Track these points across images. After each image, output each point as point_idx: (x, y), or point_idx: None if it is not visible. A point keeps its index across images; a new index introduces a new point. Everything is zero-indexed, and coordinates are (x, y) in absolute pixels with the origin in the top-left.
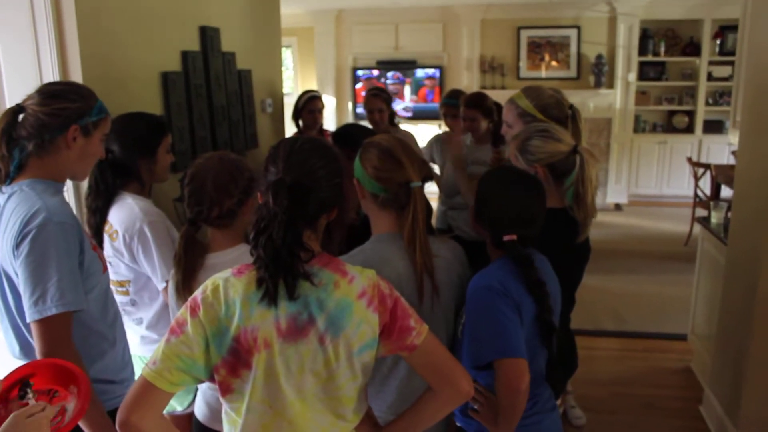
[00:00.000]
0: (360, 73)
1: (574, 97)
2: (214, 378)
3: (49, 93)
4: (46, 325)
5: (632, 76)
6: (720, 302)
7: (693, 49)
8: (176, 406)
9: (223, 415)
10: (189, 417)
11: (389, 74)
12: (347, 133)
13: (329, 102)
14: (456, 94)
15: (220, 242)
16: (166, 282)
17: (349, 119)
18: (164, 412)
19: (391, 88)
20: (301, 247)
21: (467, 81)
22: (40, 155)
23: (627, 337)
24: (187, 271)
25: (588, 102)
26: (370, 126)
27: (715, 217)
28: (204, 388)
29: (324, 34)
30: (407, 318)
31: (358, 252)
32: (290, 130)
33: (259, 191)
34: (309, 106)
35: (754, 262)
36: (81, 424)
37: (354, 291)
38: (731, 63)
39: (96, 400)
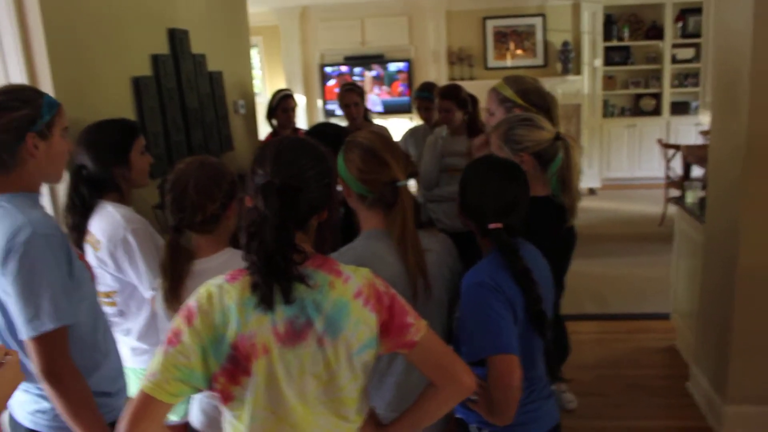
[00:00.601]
0: (328, 69)
1: (543, 84)
2: (213, 387)
3: None
4: (42, 341)
5: (598, 61)
6: (700, 280)
7: (656, 32)
8: (171, 416)
9: (226, 424)
10: (184, 426)
11: (356, 69)
12: (321, 132)
13: (299, 101)
14: (428, 86)
15: (205, 248)
16: (154, 290)
17: (320, 117)
18: None
19: (360, 83)
20: (293, 249)
21: (435, 73)
22: (6, 172)
23: (610, 320)
24: (175, 279)
25: (556, 89)
26: (344, 122)
27: (690, 197)
28: (199, 396)
29: (289, 32)
30: (405, 315)
31: (348, 249)
32: (264, 130)
33: (248, 194)
34: (283, 104)
35: (732, 238)
36: (72, 425)
37: (350, 291)
38: (694, 45)
39: (92, 404)
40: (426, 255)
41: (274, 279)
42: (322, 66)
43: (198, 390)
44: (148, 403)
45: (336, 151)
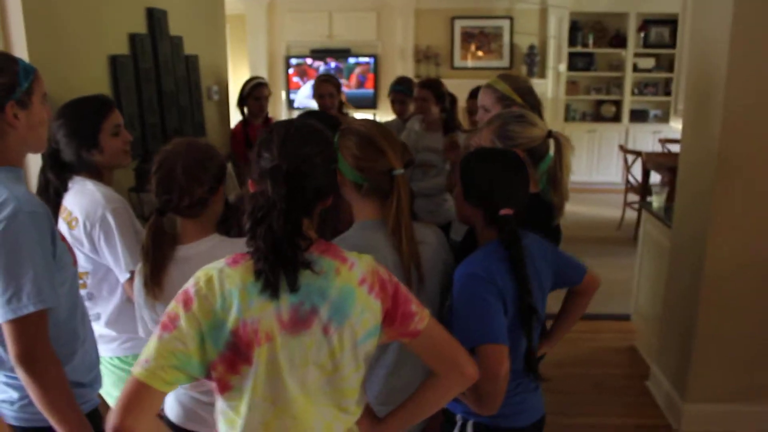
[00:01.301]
0: (294, 61)
1: None
2: (210, 375)
3: None
4: (21, 324)
5: (563, 66)
6: (665, 283)
7: (619, 41)
8: None
9: (219, 415)
10: None
11: (316, 63)
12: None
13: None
14: (404, 80)
15: (190, 233)
16: (130, 273)
17: (284, 108)
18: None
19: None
20: (300, 236)
21: (401, 70)
22: None
23: None
24: (156, 264)
25: None
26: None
27: (656, 201)
28: (177, 390)
29: (256, 22)
30: (409, 303)
31: (341, 240)
32: (235, 118)
33: (251, 179)
34: (255, 93)
35: (699, 244)
36: (48, 415)
37: (355, 277)
38: (654, 55)
39: (69, 393)
40: (421, 247)
41: (281, 266)
42: (288, 57)
43: (194, 379)
44: (141, 391)
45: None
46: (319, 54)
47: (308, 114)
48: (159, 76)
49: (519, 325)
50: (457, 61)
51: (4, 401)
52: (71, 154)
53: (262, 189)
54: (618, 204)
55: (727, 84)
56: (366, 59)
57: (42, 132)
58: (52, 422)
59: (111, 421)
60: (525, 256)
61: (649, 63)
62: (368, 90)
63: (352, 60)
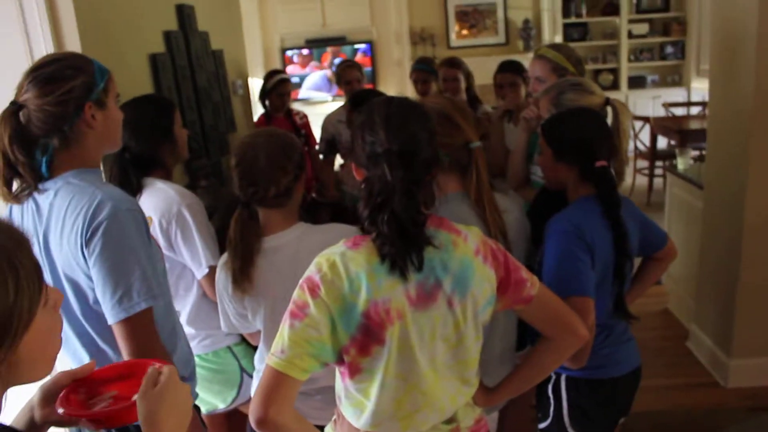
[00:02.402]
0: (290, 53)
1: None
2: (342, 360)
3: (44, 79)
4: (133, 323)
5: (558, 38)
6: (700, 242)
7: (612, 8)
8: (218, 403)
9: (344, 400)
10: (227, 415)
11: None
12: (367, 96)
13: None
14: (426, 60)
15: (275, 223)
16: (209, 268)
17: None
18: (204, 411)
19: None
20: (421, 215)
21: (398, 54)
22: (68, 147)
23: None
24: (246, 257)
25: None
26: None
27: (682, 163)
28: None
29: (248, 16)
30: (519, 270)
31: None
32: (257, 111)
33: (355, 164)
34: (279, 89)
35: (737, 199)
36: None
37: (471, 248)
38: (648, 20)
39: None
40: (505, 216)
41: (408, 248)
42: (284, 50)
43: (325, 365)
44: (281, 381)
45: None
46: (314, 44)
47: (365, 92)
48: (193, 73)
49: (606, 280)
50: (454, 41)
51: None
52: (147, 150)
53: (376, 173)
54: (629, 171)
55: (759, 39)
56: (362, 46)
57: (117, 132)
58: None
59: (255, 413)
60: (620, 207)
61: (643, 29)
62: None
63: (347, 49)
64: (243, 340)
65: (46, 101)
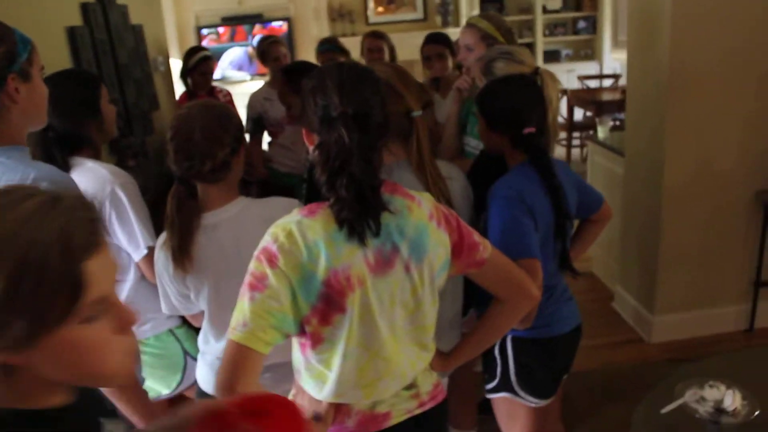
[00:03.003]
0: (205, 32)
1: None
2: (303, 331)
3: None
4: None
5: (475, 13)
6: (621, 207)
7: None
8: (162, 389)
9: (304, 372)
10: (170, 401)
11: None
12: (302, 69)
13: (176, 65)
14: (329, 40)
15: (214, 199)
16: (148, 249)
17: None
18: (151, 397)
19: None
20: (377, 179)
21: (317, 31)
22: None
23: None
24: (184, 235)
25: None
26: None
27: (602, 132)
28: (211, 358)
29: None
30: (471, 235)
31: None
32: (178, 89)
33: (306, 127)
34: (201, 67)
35: (657, 164)
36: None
37: (425, 213)
38: None
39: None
40: (449, 183)
41: (366, 212)
42: (199, 28)
43: (286, 337)
44: (246, 355)
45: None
46: (230, 21)
47: (301, 63)
48: (114, 48)
49: (548, 241)
50: (372, 17)
51: None
52: (72, 127)
53: (332, 137)
54: None
55: (674, 11)
56: (279, 23)
57: (43, 106)
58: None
59: (221, 390)
60: (553, 169)
61: (556, 4)
62: None
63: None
64: (184, 322)
65: None
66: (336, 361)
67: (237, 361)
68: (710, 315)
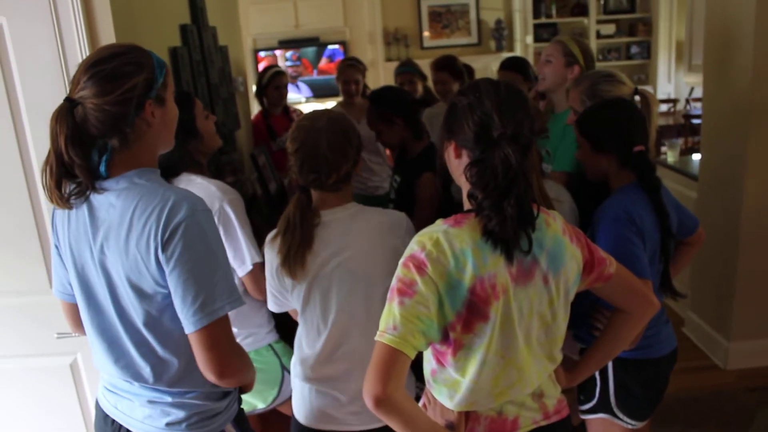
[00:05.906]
0: (262, 54)
1: (478, 62)
2: (446, 338)
3: (104, 76)
4: (215, 328)
5: (529, 38)
6: None
7: (580, 9)
8: (257, 403)
9: (435, 383)
10: (261, 416)
11: (288, 53)
12: (389, 96)
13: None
14: (408, 62)
15: (329, 203)
16: (253, 265)
17: (254, 102)
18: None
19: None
20: (533, 198)
21: (372, 54)
22: (127, 147)
23: None
24: (304, 241)
25: (491, 66)
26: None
27: (671, 155)
28: (303, 388)
29: None
30: (598, 250)
31: None
32: (254, 108)
33: (456, 144)
34: (275, 81)
35: (735, 187)
36: None
37: (559, 228)
38: (614, 21)
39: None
40: (556, 204)
41: (524, 229)
42: (256, 51)
43: (428, 345)
44: (395, 358)
45: (411, 114)
46: (287, 44)
47: (386, 88)
48: (206, 68)
49: (653, 261)
50: (427, 41)
51: (171, 423)
52: (178, 152)
53: (493, 157)
54: None
55: (756, 31)
56: (335, 46)
57: (172, 128)
58: None
59: (372, 391)
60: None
61: (610, 29)
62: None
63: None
64: (282, 337)
65: (106, 100)
66: (473, 368)
67: (387, 362)
68: None
